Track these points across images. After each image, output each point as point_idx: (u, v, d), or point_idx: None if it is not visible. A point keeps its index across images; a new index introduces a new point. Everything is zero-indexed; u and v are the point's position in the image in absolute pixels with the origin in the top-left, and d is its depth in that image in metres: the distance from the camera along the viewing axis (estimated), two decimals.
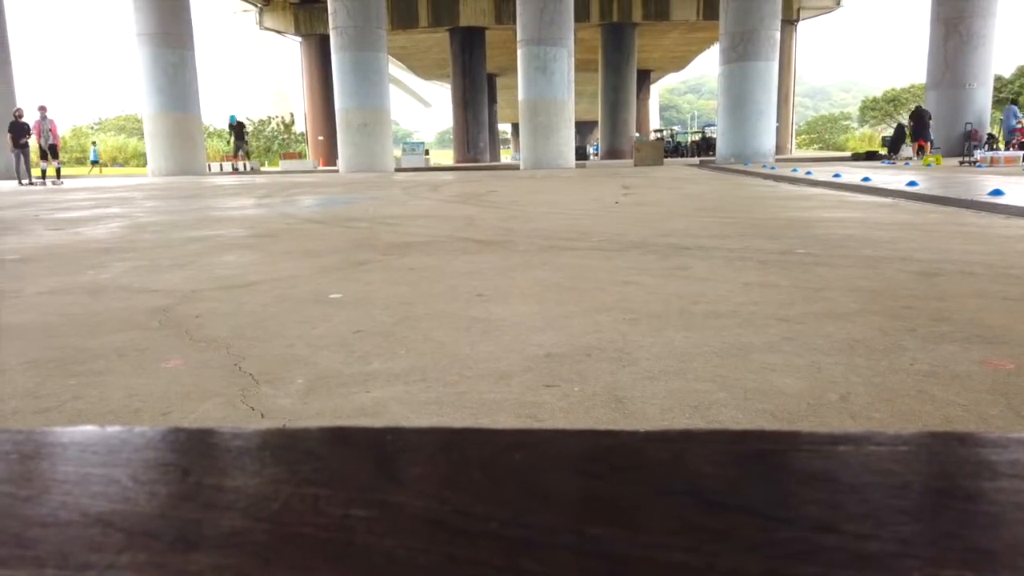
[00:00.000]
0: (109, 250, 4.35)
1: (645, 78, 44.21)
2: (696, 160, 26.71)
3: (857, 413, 1.48)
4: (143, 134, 22.78)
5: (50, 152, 16.26)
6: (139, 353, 2.02)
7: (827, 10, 33.87)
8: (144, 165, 24.35)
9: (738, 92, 18.81)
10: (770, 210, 6.27)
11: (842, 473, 0.29)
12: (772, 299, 2.56)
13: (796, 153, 36.61)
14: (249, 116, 43.92)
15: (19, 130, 15.78)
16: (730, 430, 0.34)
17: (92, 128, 43.96)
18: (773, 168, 14.25)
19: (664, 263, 3.42)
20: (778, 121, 22.11)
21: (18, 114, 16.05)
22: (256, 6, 35.21)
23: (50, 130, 16.24)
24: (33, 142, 16.20)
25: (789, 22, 31.16)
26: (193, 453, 0.32)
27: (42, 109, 16.37)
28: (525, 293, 2.77)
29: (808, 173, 11.06)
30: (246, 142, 21.54)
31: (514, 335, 2.14)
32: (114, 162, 37.83)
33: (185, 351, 2.03)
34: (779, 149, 26.67)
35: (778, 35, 18.91)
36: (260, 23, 35.69)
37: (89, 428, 0.34)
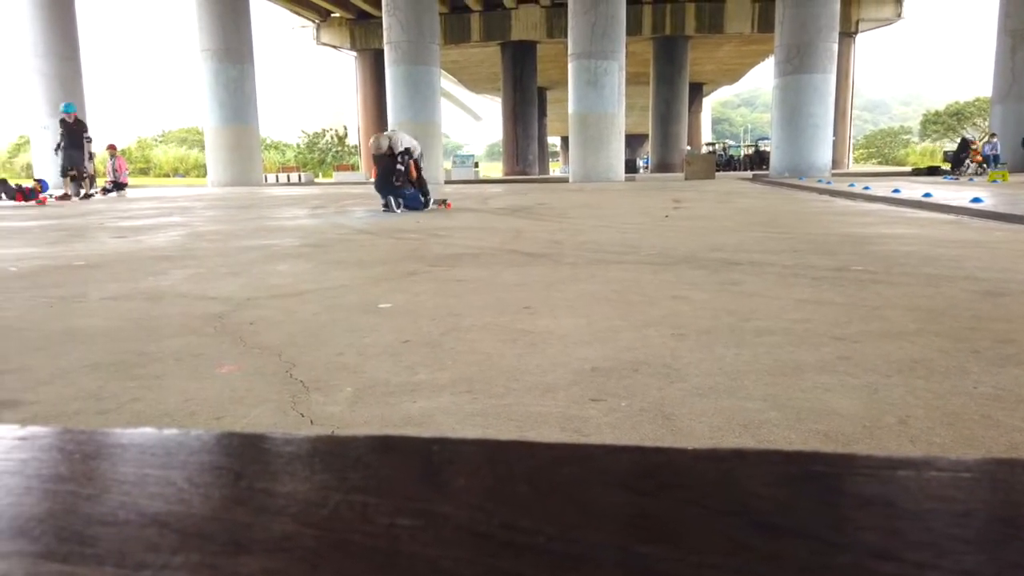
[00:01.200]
0: (169, 257, 4.50)
1: (697, 91, 43.77)
2: (749, 174, 26.28)
3: (917, 437, 1.43)
4: (203, 146, 23.53)
5: (116, 189, 15.72)
6: (195, 358, 2.08)
7: (887, 22, 33.04)
8: (204, 176, 25.13)
9: (793, 105, 18.47)
10: (825, 225, 6.12)
11: (901, 499, 0.28)
12: (827, 317, 2.50)
13: (853, 168, 35.69)
14: (304, 129, 44.96)
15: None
16: (782, 451, 0.33)
17: (156, 140, 45.63)
18: (829, 183, 13.92)
19: (714, 278, 3.37)
20: (834, 135, 21.63)
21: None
22: (314, 22, 36.16)
23: (115, 168, 15.83)
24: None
25: (847, 34, 30.50)
26: (246, 458, 0.33)
27: (111, 148, 16.01)
28: (572, 306, 2.76)
29: (866, 188, 10.77)
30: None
31: (561, 348, 2.13)
32: (175, 173, 39.19)
33: (239, 357, 2.08)
34: (835, 163, 26.06)
35: (835, 47, 18.52)
36: (317, 38, 36.62)
37: (148, 430, 0.35)
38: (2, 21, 22.22)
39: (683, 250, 4.44)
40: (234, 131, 22.28)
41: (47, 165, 22.97)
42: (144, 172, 36.81)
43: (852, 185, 12.03)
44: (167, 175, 37.16)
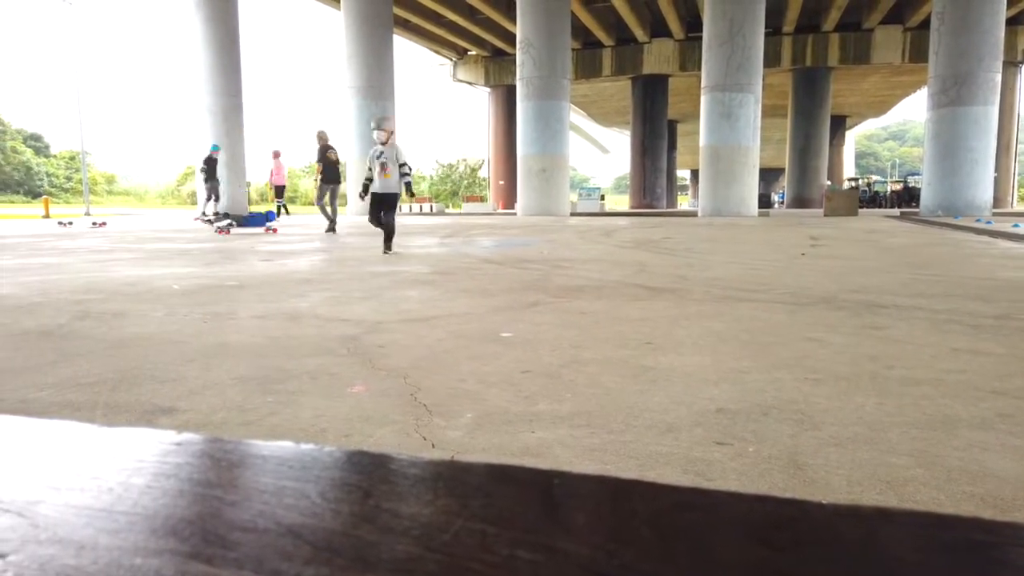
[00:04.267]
0: (309, 281, 4.79)
1: (839, 124, 41.75)
2: (896, 211, 24.64)
3: None
4: (346, 177, 24.97)
5: (276, 191, 18.28)
6: (328, 377, 2.19)
7: None
8: (345, 205, 26.69)
9: (948, 139, 17.16)
10: (985, 269, 5.61)
11: None
12: (985, 368, 2.28)
13: (1019, 207, 32.61)
14: (439, 160, 46.80)
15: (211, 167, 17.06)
16: (935, 513, 0.30)
17: (303, 172, 49.07)
18: (989, 223, 12.78)
19: (855, 321, 3.16)
20: (996, 171, 19.89)
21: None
22: (451, 60, 37.81)
23: (273, 171, 18.37)
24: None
25: (1012, 63, 28.15)
26: (374, 477, 0.34)
27: (276, 154, 18.76)
28: (698, 343, 2.68)
29: None
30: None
31: (684, 386, 2.07)
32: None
33: (368, 378, 2.17)
34: (997, 202, 23.92)
35: (999, 77, 17.10)
36: (454, 75, 38.24)
37: (286, 444, 0.37)
38: (183, 64, 24.75)
39: (820, 290, 4.21)
40: None
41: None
42: (292, 201, 39.60)
43: (1017, 225, 10.98)
44: (311, 203, 39.77)
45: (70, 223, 16.04)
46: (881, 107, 45.92)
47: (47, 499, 0.31)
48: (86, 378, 2.18)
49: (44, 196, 24.39)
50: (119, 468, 0.34)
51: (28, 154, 61.74)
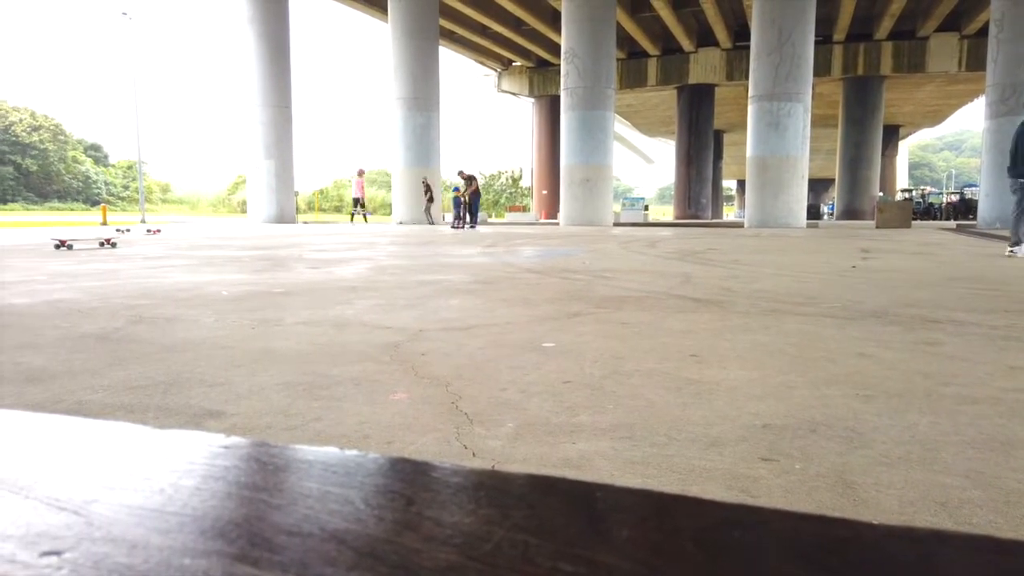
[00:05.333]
0: (354, 288, 4.86)
1: (892, 134, 40.72)
2: (952, 224, 23.90)
3: None
4: (390, 187, 25.37)
5: (355, 202, 23.31)
6: (371, 384, 2.21)
7: None
8: (390, 214, 27.06)
9: (1007, 149, 16.60)
10: None
11: None
12: None
13: None
14: (482, 170, 47.13)
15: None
16: (993, 537, 0.29)
17: (350, 181, 49.93)
18: None
19: (908, 336, 3.07)
20: None
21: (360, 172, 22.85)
22: (496, 71, 38.08)
23: (356, 185, 23.85)
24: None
25: None
26: (416, 484, 0.34)
27: (360, 172, 23.73)
28: (743, 357, 2.63)
29: None
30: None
31: (729, 400, 2.04)
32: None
33: (410, 386, 2.19)
34: None
35: None
36: (498, 86, 38.50)
37: (331, 450, 0.38)
38: (236, 76, 25.59)
39: (872, 304, 4.10)
40: (418, 173, 23.84)
41: (261, 203, 25.85)
42: (338, 210, 40.26)
43: None
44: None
45: (127, 230, 16.61)
46: (936, 116, 44.67)
47: (102, 498, 0.31)
48: (139, 381, 2.24)
49: (102, 204, 25.29)
50: (170, 469, 0.35)
51: (88, 163, 64.18)
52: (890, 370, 2.42)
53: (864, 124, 31.54)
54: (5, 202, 54.30)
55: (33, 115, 60.18)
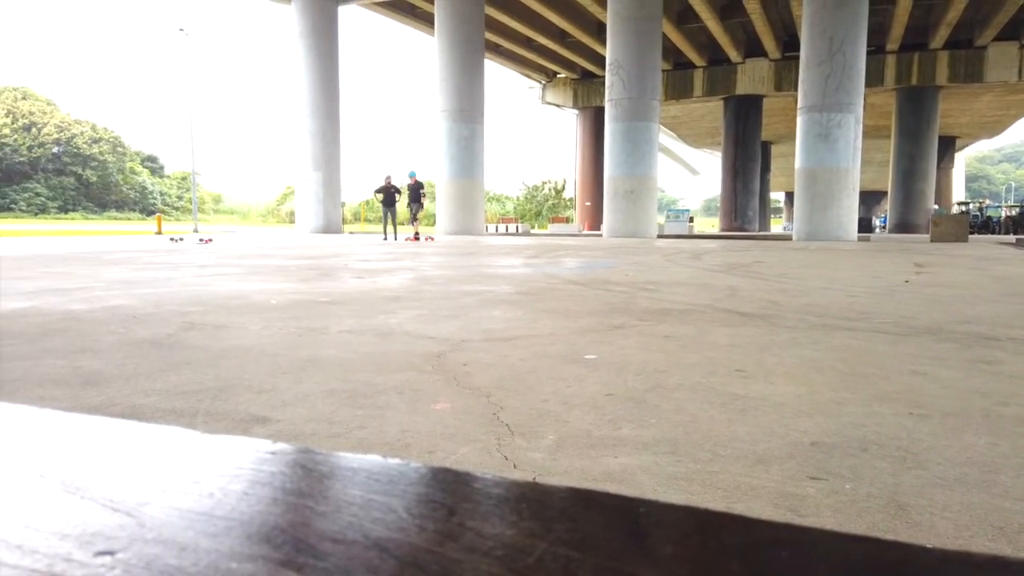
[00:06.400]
0: (398, 298, 4.91)
1: (948, 145, 39.57)
2: (1011, 238, 23.05)
3: None
4: (434, 197, 25.62)
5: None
6: (414, 393, 2.23)
7: None
8: (433, 224, 27.31)
9: None
10: None
11: None
12: None
13: None
14: (524, 181, 47.23)
15: (389, 194, 20.23)
16: None
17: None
18: None
19: (964, 354, 2.96)
20: None
21: (388, 180, 20.55)
22: (540, 83, 38.23)
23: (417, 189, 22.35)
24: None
25: None
26: (458, 495, 0.34)
27: (413, 180, 21.99)
28: (790, 373, 2.58)
29: None
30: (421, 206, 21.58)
31: (776, 417, 1.99)
32: (409, 221, 43.23)
33: (452, 396, 2.20)
34: None
35: None
36: (542, 98, 38.63)
37: (374, 458, 0.38)
38: (287, 89, 26.21)
39: (926, 320, 3.98)
40: (462, 184, 24.04)
41: (308, 213, 26.40)
42: (369, 221, 40.82)
43: None
44: (401, 223, 40.98)
45: (181, 239, 17.12)
46: (995, 128, 43.24)
47: (154, 500, 0.32)
48: (190, 386, 2.30)
49: (157, 214, 26.14)
50: (219, 474, 0.36)
51: (144, 174, 66.43)
52: (946, 388, 2.34)
53: (918, 135, 30.69)
54: (66, 211, 56.51)
55: (94, 128, 62.58)
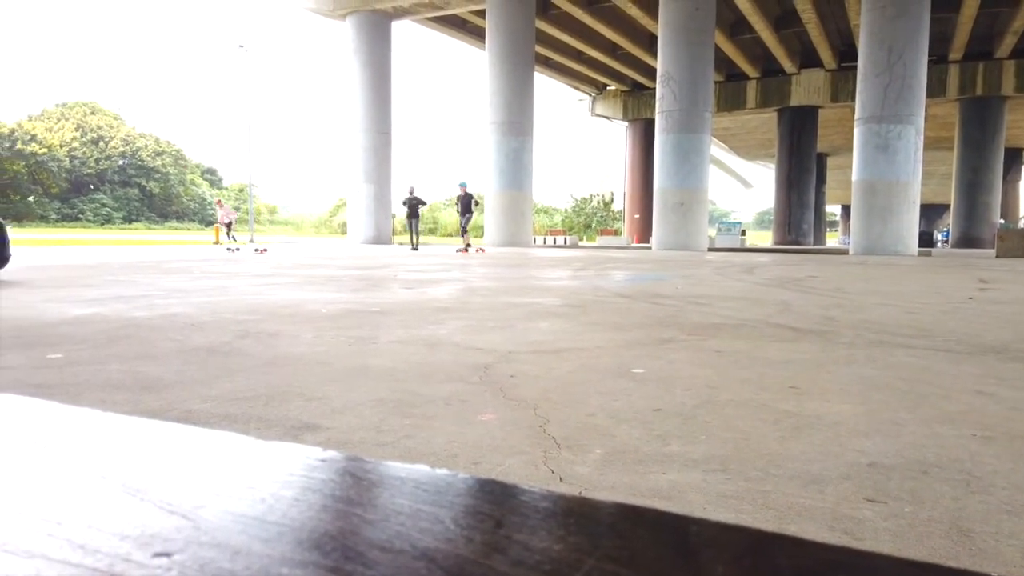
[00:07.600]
0: (447, 309, 4.94)
1: (1014, 157, 38.09)
2: None
3: None
4: (482, 209, 25.77)
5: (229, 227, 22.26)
6: (461, 404, 2.24)
7: None
8: (481, 236, 27.47)
9: None
10: None
11: None
12: None
13: None
14: (572, 193, 47.21)
15: (412, 205, 20.65)
16: None
17: (444, 204, 51.13)
18: None
19: None
20: None
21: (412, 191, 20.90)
22: (590, 95, 38.23)
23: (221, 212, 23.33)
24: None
25: None
26: (505, 507, 0.34)
27: (219, 202, 23.75)
28: (846, 391, 2.50)
29: None
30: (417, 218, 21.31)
31: (831, 436, 1.93)
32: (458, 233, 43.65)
33: (498, 407, 2.20)
34: None
35: None
36: (592, 110, 38.61)
37: (422, 467, 0.38)
38: (340, 103, 26.82)
39: (990, 338, 3.82)
40: (510, 196, 24.14)
41: (360, 225, 26.86)
42: (432, 231, 41.28)
43: None
44: (450, 235, 41.32)
45: (237, 249, 17.62)
46: None
47: (209, 504, 0.33)
48: (243, 393, 2.36)
49: (215, 224, 26.92)
50: (271, 480, 0.37)
51: (204, 186, 68.60)
52: (1013, 410, 2.24)
53: (983, 147, 29.60)
54: (130, 221, 58.72)
55: (157, 141, 65.00)
